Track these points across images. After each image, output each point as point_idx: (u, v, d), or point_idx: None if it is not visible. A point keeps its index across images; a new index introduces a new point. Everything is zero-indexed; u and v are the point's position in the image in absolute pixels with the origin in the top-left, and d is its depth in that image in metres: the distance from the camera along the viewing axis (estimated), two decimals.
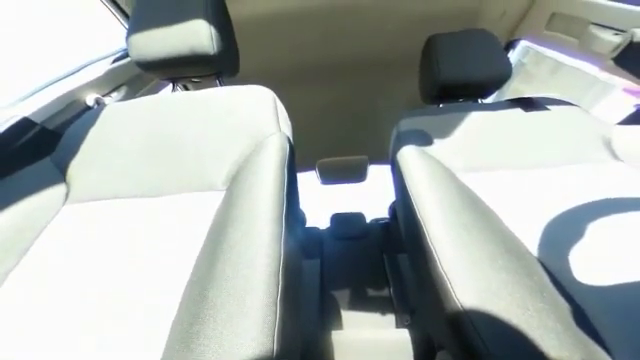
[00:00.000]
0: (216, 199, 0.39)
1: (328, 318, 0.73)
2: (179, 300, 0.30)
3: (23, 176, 0.42)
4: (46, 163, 0.45)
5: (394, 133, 0.52)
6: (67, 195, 0.42)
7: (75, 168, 0.43)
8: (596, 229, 0.34)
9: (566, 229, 0.35)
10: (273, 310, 0.27)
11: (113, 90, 0.62)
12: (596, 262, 0.32)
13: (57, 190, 0.42)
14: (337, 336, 0.68)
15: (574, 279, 0.31)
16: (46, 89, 0.52)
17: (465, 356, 0.30)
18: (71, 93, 0.53)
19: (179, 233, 0.36)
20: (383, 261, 0.84)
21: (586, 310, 0.29)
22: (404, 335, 0.65)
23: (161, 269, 0.33)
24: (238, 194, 0.36)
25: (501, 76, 0.53)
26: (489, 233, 0.34)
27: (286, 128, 0.44)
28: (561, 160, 0.44)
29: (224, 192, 0.40)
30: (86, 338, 0.29)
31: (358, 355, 0.66)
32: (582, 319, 0.29)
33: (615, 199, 0.37)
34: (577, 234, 0.34)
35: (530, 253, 0.34)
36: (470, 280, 0.31)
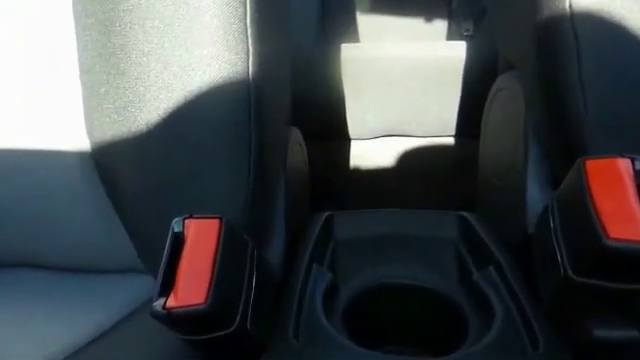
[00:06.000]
0: None
1: (334, 25, 0.83)
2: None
3: None
4: None
5: None
6: None
7: None
8: None
9: None
10: (240, 12, 0.32)
11: None
12: None
13: None
14: (348, 52, 0.81)
15: None
16: None
17: (543, 81, 0.39)
18: None
19: None
20: None
21: None
22: (457, 51, 0.78)
23: None
24: None
25: None
26: None
27: None
28: None
29: None
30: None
31: (379, 79, 0.82)
32: None
33: None
34: None
35: None
36: None
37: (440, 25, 0.83)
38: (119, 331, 0.33)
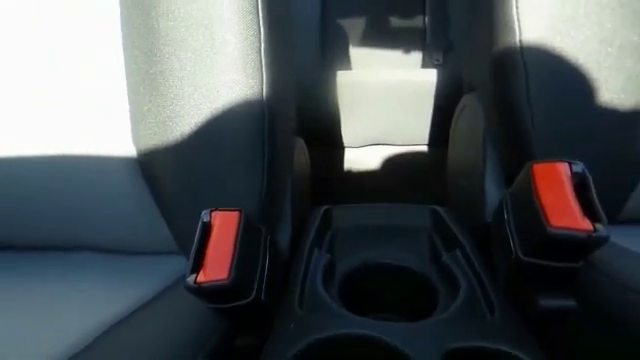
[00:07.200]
0: None
1: (332, 55, 0.83)
2: (119, 39, 0.35)
3: None
4: None
5: None
6: None
7: None
8: None
9: None
10: (256, 46, 0.33)
11: None
12: None
13: None
14: (343, 77, 0.81)
15: None
16: None
17: (498, 100, 0.39)
18: None
19: None
20: None
21: None
22: (430, 76, 0.78)
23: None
24: None
25: None
26: None
27: None
28: None
29: None
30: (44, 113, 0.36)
31: (368, 99, 0.83)
32: None
33: None
34: None
35: None
36: (547, 4, 0.34)
37: (416, 55, 0.83)
38: (156, 303, 0.34)
